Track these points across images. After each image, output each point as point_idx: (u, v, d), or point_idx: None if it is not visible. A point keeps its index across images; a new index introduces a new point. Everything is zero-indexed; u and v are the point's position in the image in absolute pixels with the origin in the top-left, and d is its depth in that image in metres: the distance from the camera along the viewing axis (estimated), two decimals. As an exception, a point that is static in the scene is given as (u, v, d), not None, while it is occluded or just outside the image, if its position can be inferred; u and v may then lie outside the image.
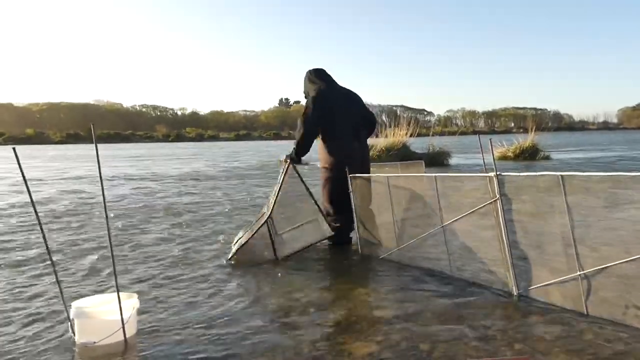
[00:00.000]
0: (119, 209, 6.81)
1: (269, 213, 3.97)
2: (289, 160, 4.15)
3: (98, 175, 2.34)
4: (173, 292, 3.13)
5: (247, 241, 3.88)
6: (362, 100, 4.50)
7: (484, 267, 3.09)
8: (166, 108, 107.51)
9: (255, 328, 2.50)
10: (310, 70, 4.42)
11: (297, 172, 4.09)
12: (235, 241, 4.32)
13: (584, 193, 2.55)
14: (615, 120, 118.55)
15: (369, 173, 4.26)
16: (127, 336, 2.32)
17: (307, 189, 4.06)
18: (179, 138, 73.81)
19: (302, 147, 4.21)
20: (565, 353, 2.10)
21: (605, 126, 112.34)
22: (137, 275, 3.54)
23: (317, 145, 4.37)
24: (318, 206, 4.07)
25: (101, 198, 2.38)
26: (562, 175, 2.54)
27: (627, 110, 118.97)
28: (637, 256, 2.29)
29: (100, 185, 2.36)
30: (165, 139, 72.36)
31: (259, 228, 3.92)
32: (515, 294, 2.84)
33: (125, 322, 2.30)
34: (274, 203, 3.97)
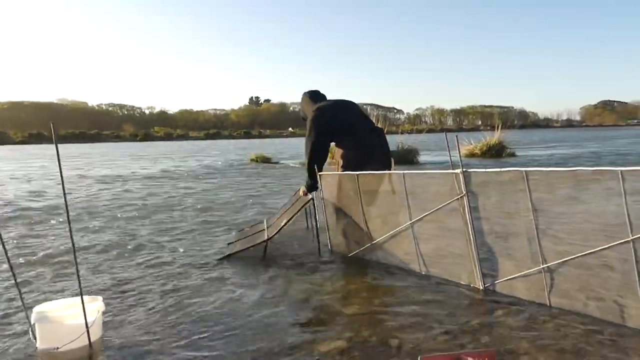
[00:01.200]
0: (83, 210, 6.63)
1: (271, 235, 3.96)
2: (308, 195, 4.15)
3: (57, 174, 2.27)
4: (141, 294, 3.06)
5: (240, 250, 3.97)
6: (356, 104, 4.51)
7: (452, 262, 3.14)
8: (133, 107, 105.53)
9: (224, 328, 2.47)
10: (305, 93, 4.38)
11: (314, 206, 4.12)
12: (232, 241, 4.40)
13: (546, 188, 2.61)
14: (578, 118, 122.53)
15: (391, 167, 4.17)
16: (91, 340, 2.25)
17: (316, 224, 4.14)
18: (147, 137, 72.46)
19: (313, 169, 4.09)
20: (529, 345, 2.15)
21: (569, 124, 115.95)
22: (104, 277, 3.45)
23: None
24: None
25: (69, 198, 2.30)
26: (526, 171, 2.61)
27: (589, 108, 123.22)
28: (597, 249, 2.37)
29: (62, 186, 2.28)
30: (133, 138, 70.89)
31: (256, 244, 3.96)
32: (481, 288, 2.90)
33: (89, 326, 2.24)
34: (280, 229, 3.96)
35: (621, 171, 2.20)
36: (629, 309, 2.28)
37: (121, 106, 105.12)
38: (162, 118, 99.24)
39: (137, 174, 13.48)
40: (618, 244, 2.27)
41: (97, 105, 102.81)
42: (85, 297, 2.28)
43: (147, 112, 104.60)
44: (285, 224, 3.99)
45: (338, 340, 2.29)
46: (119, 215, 6.21)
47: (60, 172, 2.24)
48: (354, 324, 2.49)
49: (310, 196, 4.14)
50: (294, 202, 4.49)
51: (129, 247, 4.41)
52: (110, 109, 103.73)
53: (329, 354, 2.15)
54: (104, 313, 2.41)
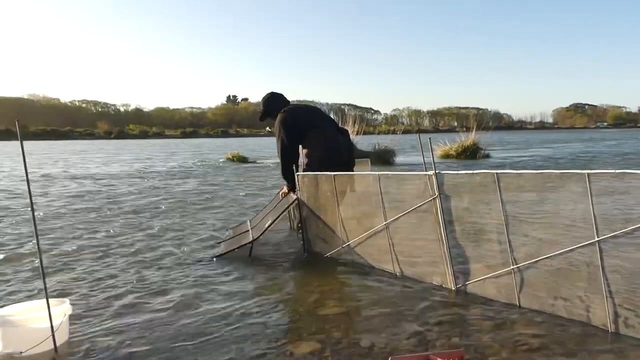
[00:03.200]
0: (49, 209, 6.47)
1: (257, 235, 3.95)
2: (292, 194, 4.16)
3: (24, 173, 2.20)
4: (110, 297, 3.00)
5: (226, 252, 3.96)
6: (319, 108, 4.68)
7: (425, 263, 3.17)
8: (108, 104, 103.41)
9: (196, 330, 2.44)
10: (267, 95, 4.45)
11: (299, 206, 4.11)
12: (219, 241, 4.41)
13: (517, 190, 2.66)
14: (550, 120, 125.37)
15: (353, 168, 4.30)
16: (57, 344, 2.20)
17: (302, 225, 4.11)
18: (122, 135, 71.16)
19: (287, 169, 4.15)
20: (498, 345, 2.19)
21: (542, 125, 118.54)
22: (72, 279, 3.37)
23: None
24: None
25: (31, 197, 2.24)
26: (497, 173, 2.65)
27: (562, 110, 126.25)
28: (564, 250, 2.43)
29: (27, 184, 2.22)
30: (107, 136, 69.52)
31: (241, 246, 3.94)
32: (453, 289, 2.93)
33: (55, 329, 2.18)
34: (264, 230, 3.95)
35: (588, 174, 2.26)
36: (594, 308, 2.33)
37: (95, 103, 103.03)
38: (138, 116, 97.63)
39: (108, 172, 13.23)
40: (584, 245, 2.33)
41: (70, 102, 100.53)
42: (51, 300, 2.22)
43: (122, 109, 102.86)
44: (270, 225, 3.98)
45: (310, 342, 2.28)
46: (90, 215, 6.08)
47: (26, 170, 2.18)
48: (326, 325, 2.49)
49: (294, 196, 4.14)
50: (277, 203, 4.48)
51: (100, 248, 4.32)
52: (83, 105, 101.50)
53: (301, 355, 2.15)
54: (71, 316, 2.35)
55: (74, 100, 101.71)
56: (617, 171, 2.19)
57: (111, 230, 5.07)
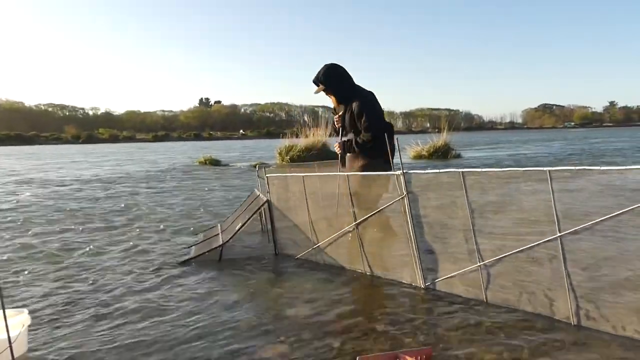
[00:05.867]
0: (12, 217, 6.27)
1: (227, 239, 3.92)
2: (262, 197, 4.12)
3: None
4: (70, 306, 2.92)
5: (196, 256, 3.90)
6: None
7: (395, 262, 3.20)
8: (76, 107, 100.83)
9: (162, 336, 2.39)
10: (340, 68, 3.66)
11: (270, 208, 4.08)
12: (189, 246, 4.37)
13: (482, 188, 2.71)
14: (520, 121, 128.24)
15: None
16: (15, 357, 2.12)
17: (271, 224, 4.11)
18: (91, 139, 69.45)
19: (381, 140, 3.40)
20: (466, 341, 2.21)
21: (512, 126, 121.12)
22: (32, 289, 3.27)
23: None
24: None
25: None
26: (462, 172, 2.69)
27: (530, 111, 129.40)
28: (528, 245, 2.48)
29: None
30: (75, 140, 67.76)
31: (212, 249, 3.89)
32: (423, 287, 2.96)
33: (13, 341, 2.10)
34: (234, 234, 3.93)
35: (549, 171, 2.31)
36: (557, 302, 2.39)
37: (62, 107, 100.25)
38: (107, 119, 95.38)
39: (77, 177, 12.91)
40: (547, 240, 2.38)
41: (35, 105, 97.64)
42: (8, 311, 2.14)
43: (90, 112, 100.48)
44: (240, 228, 3.94)
45: (280, 344, 2.27)
46: (55, 222, 5.90)
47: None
48: (296, 326, 2.48)
49: (264, 199, 4.11)
50: (248, 206, 4.44)
51: (62, 255, 4.20)
52: (49, 109, 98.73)
53: (270, 358, 2.13)
54: (30, 327, 2.28)
55: (40, 104, 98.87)
56: (577, 168, 2.25)
57: (72, 236, 4.94)
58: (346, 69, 3.70)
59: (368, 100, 3.59)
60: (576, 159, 14.79)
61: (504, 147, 24.80)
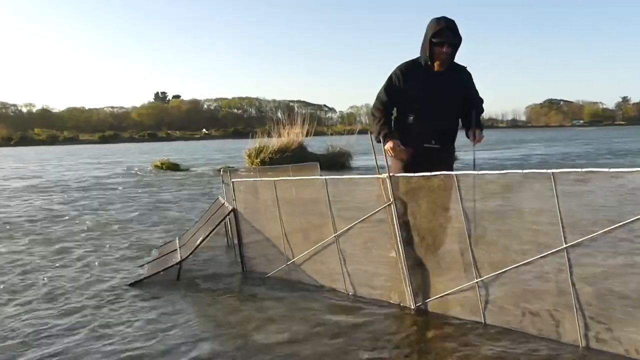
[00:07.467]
0: None
1: (186, 255, 3.91)
2: (228, 206, 4.17)
3: None
4: (21, 323, 2.85)
5: (149, 276, 3.88)
6: None
7: (380, 280, 3.21)
8: (6, 104, 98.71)
9: (109, 371, 2.36)
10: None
11: (236, 220, 4.08)
12: (142, 264, 4.33)
13: (479, 193, 2.74)
14: (523, 118, 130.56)
15: None
16: None
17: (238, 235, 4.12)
18: (25, 141, 68.09)
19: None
20: (461, 368, 2.24)
21: (514, 124, 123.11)
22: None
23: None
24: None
25: None
26: (456, 175, 2.71)
27: (535, 107, 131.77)
28: (531, 259, 2.51)
29: None
30: (6, 142, 66.34)
31: (168, 267, 3.88)
32: (413, 307, 2.98)
33: None
34: (194, 249, 3.93)
35: (553, 173, 2.34)
36: (564, 322, 2.43)
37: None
38: (45, 118, 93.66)
39: (5, 186, 12.65)
40: (552, 252, 2.41)
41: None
42: None
43: (24, 110, 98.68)
44: (201, 242, 3.92)
45: (247, 377, 2.25)
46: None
47: None
48: (268, 354, 2.47)
49: (230, 207, 4.11)
50: (210, 216, 4.41)
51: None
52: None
53: (235, 393, 2.11)
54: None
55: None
56: (584, 170, 2.28)
57: (26, 253, 4.83)
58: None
59: None
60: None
61: (504, 148, 25.21)
